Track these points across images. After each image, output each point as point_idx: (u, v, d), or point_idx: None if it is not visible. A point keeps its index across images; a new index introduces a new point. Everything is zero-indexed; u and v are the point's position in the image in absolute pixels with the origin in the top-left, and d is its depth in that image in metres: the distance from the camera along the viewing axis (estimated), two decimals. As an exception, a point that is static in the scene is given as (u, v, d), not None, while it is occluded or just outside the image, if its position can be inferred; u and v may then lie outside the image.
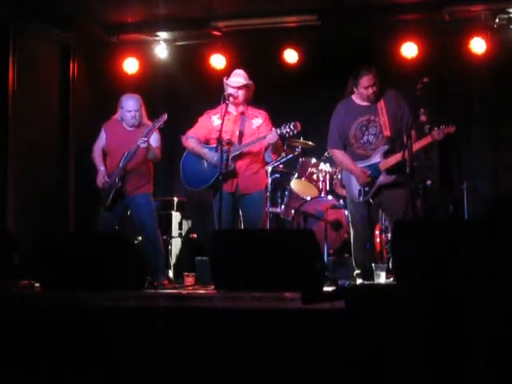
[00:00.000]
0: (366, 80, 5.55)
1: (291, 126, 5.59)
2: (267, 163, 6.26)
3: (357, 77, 5.59)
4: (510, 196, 6.68)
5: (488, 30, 7.24)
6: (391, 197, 5.54)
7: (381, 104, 5.57)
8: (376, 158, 5.55)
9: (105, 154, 6.20)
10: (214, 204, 5.81)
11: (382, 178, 5.52)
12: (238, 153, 5.71)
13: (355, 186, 5.61)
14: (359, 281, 5.38)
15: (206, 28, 7.73)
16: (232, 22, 7.69)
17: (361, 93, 5.60)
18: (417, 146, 5.42)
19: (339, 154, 5.71)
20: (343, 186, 6.13)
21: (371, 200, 5.58)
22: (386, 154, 5.53)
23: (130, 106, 6.08)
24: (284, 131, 5.59)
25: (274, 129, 5.67)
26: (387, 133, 5.52)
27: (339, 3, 7.22)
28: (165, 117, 5.93)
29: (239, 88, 5.82)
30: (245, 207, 5.85)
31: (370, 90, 5.55)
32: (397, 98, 5.64)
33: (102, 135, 6.22)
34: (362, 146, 5.60)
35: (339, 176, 7.07)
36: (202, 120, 5.99)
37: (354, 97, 5.69)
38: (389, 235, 6.70)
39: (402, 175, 5.48)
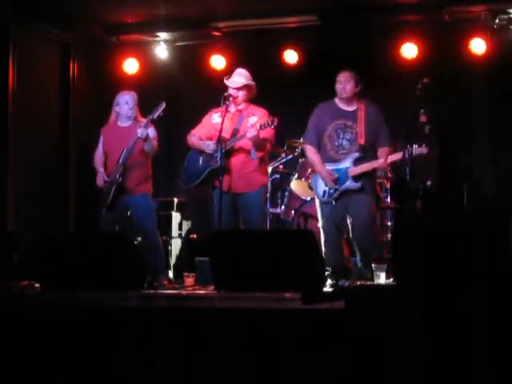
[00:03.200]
0: (339, 76, 5.76)
1: (269, 121, 5.62)
2: (262, 161, 6.19)
3: (336, 76, 5.80)
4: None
5: (488, 31, 7.24)
6: (357, 203, 5.67)
7: (361, 113, 5.70)
8: (346, 163, 5.68)
9: (106, 157, 6.20)
10: (214, 200, 5.81)
11: (349, 184, 5.67)
12: (227, 148, 5.71)
13: (321, 186, 5.75)
14: (329, 281, 5.40)
15: (206, 28, 7.74)
16: (232, 22, 7.70)
17: (336, 89, 5.76)
18: (388, 160, 5.64)
19: (311, 151, 5.84)
20: (310, 188, 6.19)
21: (334, 202, 5.69)
22: (357, 162, 5.66)
23: (127, 98, 6.14)
24: (262, 126, 5.61)
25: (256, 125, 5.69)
26: (361, 141, 5.65)
27: (339, 3, 7.22)
28: (163, 105, 5.95)
29: (239, 89, 5.84)
30: (242, 207, 5.86)
31: (340, 86, 5.72)
32: (377, 115, 5.77)
33: (100, 139, 6.24)
34: (334, 147, 5.73)
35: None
36: (204, 119, 6.04)
37: (336, 99, 5.82)
38: (388, 236, 6.71)
39: (368, 184, 5.70)
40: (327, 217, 5.73)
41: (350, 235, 5.88)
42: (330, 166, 5.71)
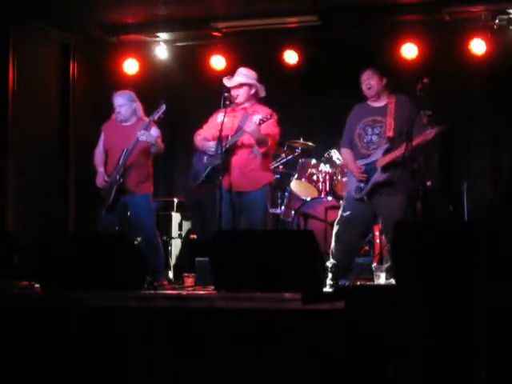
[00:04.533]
0: (362, 75, 5.72)
1: (268, 116, 5.62)
2: (271, 161, 6.18)
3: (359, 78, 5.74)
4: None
5: (488, 31, 7.23)
6: (386, 204, 5.56)
7: (391, 107, 5.64)
8: (376, 156, 5.60)
9: (106, 155, 6.19)
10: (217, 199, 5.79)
11: (376, 176, 5.56)
12: (228, 146, 5.70)
13: (353, 183, 5.70)
14: (329, 281, 5.36)
15: (206, 29, 7.74)
16: (232, 22, 7.69)
17: (363, 89, 5.71)
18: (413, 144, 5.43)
19: (345, 153, 5.85)
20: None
21: (365, 197, 5.60)
22: (385, 153, 5.58)
23: (120, 101, 6.10)
24: (261, 119, 5.59)
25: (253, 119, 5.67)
26: (390, 133, 5.57)
27: (339, 3, 7.23)
28: (163, 107, 5.94)
29: (236, 88, 5.83)
30: (244, 207, 5.81)
31: (365, 84, 5.68)
32: (406, 106, 5.65)
33: (101, 137, 6.22)
34: (365, 144, 5.67)
35: (339, 177, 7.11)
36: (211, 119, 6.01)
37: (369, 100, 5.78)
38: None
39: (398, 177, 5.52)
40: (351, 214, 5.64)
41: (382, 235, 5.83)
42: (361, 162, 5.66)
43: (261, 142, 5.72)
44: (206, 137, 5.93)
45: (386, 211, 5.54)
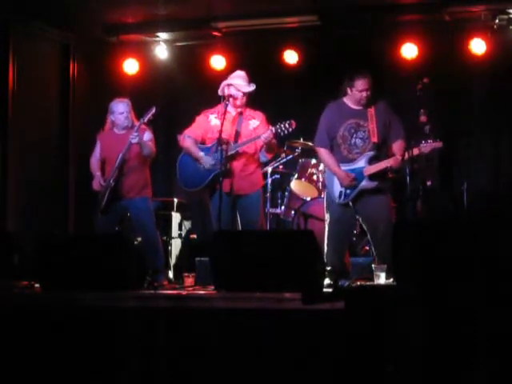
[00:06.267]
0: (361, 83, 5.59)
1: (286, 125, 5.64)
2: (264, 163, 6.26)
3: (353, 79, 5.64)
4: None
5: (488, 31, 7.24)
6: (371, 205, 5.60)
7: (371, 111, 5.62)
8: (361, 163, 5.61)
9: (104, 163, 6.22)
10: (212, 204, 5.84)
11: (365, 183, 5.59)
12: (233, 152, 5.73)
13: (337, 188, 5.66)
14: (329, 281, 5.38)
15: (206, 29, 7.74)
16: (232, 22, 7.70)
17: (354, 95, 5.64)
18: (403, 157, 5.54)
19: (325, 154, 5.74)
20: (324, 186, 6.17)
21: (350, 203, 5.62)
22: (372, 160, 5.60)
23: (121, 108, 6.13)
24: (279, 129, 5.62)
25: (270, 127, 5.70)
26: (374, 139, 5.58)
27: (339, 3, 7.23)
28: (153, 109, 5.96)
29: (245, 93, 5.82)
30: (242, 209, 5.88)
31: (364, 94, 5.59)
32: (386, 110, 5.69)
33: (97, 145, 6.27)
34: (348, 147, 5.65)
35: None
36: (199, 119, 6.00)
37: (345, 99, 5.72)
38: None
39: (384, 182, 5.64)
40: (337, 217, 5.66)
41: (368, 235, 5.84)
42: (344, 167, 5.63)
43: (272, 149, 5.90)
44: (195, 138, 5.93)
45: (375, 211, 5.59)
